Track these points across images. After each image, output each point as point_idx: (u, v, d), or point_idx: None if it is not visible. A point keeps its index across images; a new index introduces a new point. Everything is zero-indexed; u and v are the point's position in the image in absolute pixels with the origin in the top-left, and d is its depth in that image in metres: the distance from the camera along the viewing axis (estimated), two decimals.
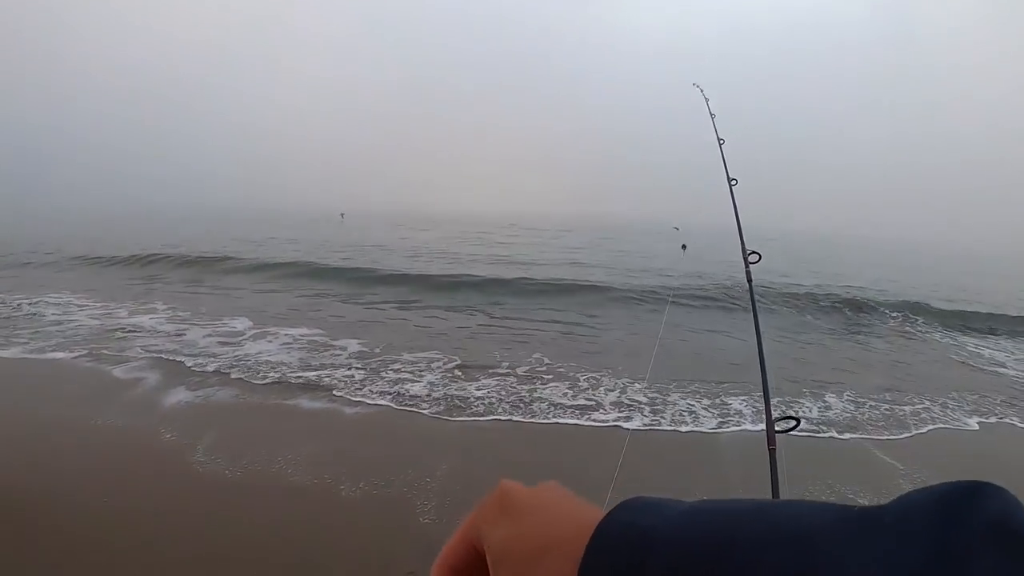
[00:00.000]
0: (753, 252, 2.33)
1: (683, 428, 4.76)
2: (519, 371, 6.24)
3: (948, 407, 5.74)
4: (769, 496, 1.90)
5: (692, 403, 5.37)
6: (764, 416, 2.10)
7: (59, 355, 6.09)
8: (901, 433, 4.83)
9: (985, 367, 8.01)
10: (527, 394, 5.48)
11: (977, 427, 5.23)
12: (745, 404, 5.33)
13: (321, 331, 7.76)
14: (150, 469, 3.57)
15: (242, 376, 5.61)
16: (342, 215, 50.95)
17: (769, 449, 2.06)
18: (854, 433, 4.77)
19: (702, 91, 3.32)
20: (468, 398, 5.26)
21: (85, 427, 4.12)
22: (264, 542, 2.80)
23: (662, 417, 5.00)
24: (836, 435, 4.71)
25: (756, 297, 2.37)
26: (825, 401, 5.71)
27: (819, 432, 4.78)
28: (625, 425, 4.73)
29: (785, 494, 1.93)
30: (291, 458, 3.71)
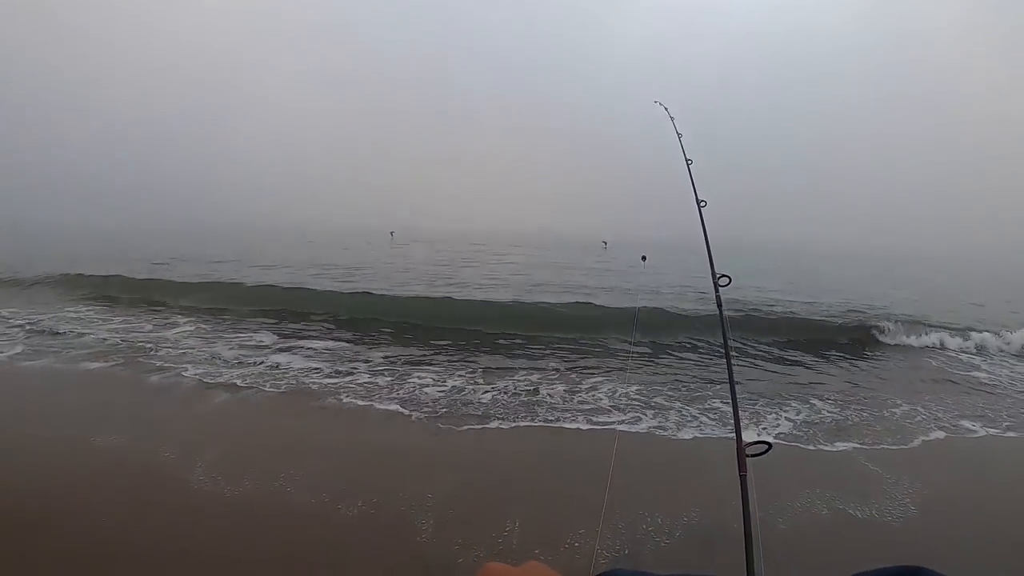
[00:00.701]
0: (723, 275, 2.26)
1: (683, 435, 4.83)
2: (529, 379, 6.44)
3: (935, 411, 5.78)
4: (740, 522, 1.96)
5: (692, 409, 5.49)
6: (735, 442, 2.11)
7: (91, 365, 6.42)
8: (904, 443, 4.80)
9: (961, 372, 8.00)
10: (527, 399, 5.68)
11: (983, 434, 5.18)
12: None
13: (345, 344, 8.06)
14: (153, 483, 3.67)
15: (262, 386, 5.84)
16: (391, 233, 50.70)
17: (740, 476, 2.07)
18: (847, 442, 4.76)
19: (666, 109, 3.11)
20: (473, 403, 5.46)
21: (95, 441, 4.26)
22: (265, 561, 2.88)
23: (664, 419, 5.14)
24: (826, 446, 4.70)
25: (726, 319, 2.32)
26: (812, 405, 5.78)
27: (808, 443, 4.78)
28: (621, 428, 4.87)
29: (757, 520, 1.97)
30: (295, 473, 3.83)
